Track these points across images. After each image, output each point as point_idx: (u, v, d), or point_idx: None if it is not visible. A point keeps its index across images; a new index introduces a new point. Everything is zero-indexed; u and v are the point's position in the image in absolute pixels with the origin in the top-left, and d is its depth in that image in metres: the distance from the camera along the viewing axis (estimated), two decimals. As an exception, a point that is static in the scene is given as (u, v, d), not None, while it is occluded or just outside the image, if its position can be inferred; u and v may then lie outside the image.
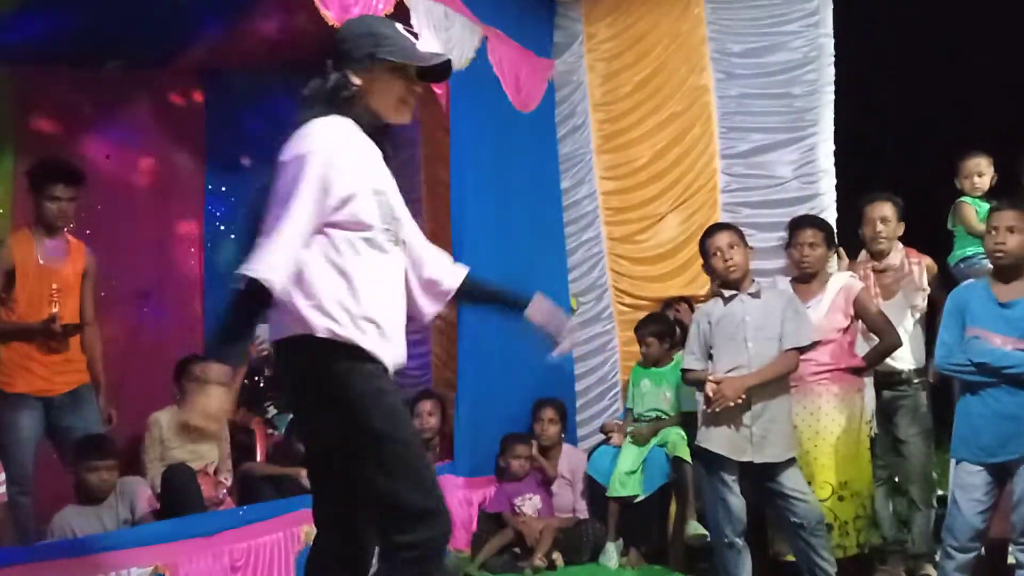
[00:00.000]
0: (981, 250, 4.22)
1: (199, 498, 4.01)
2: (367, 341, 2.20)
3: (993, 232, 3.34)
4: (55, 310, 3.96)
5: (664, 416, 4.63)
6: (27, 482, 3.88)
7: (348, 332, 2.18)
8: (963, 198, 4.48)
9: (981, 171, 4.47)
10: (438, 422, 5.02)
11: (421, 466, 2.23)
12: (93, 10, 4.51)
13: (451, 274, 2.52)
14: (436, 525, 2.18)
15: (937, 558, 3.74)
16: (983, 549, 3.45)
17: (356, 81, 2.30)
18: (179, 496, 3.90)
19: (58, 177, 4.07)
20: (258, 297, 2.10)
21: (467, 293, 2.53)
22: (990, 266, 3.52)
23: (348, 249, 2.22)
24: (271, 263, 2.09)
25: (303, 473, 4.31)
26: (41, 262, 4.07)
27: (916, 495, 4.11)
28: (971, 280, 3.71)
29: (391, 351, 2.27)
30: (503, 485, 4.73)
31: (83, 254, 4.23)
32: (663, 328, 4.79)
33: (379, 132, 2.36)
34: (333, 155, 2.20)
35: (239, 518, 3.67)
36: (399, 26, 2.42)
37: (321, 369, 2.19)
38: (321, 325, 2.17)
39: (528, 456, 4.71)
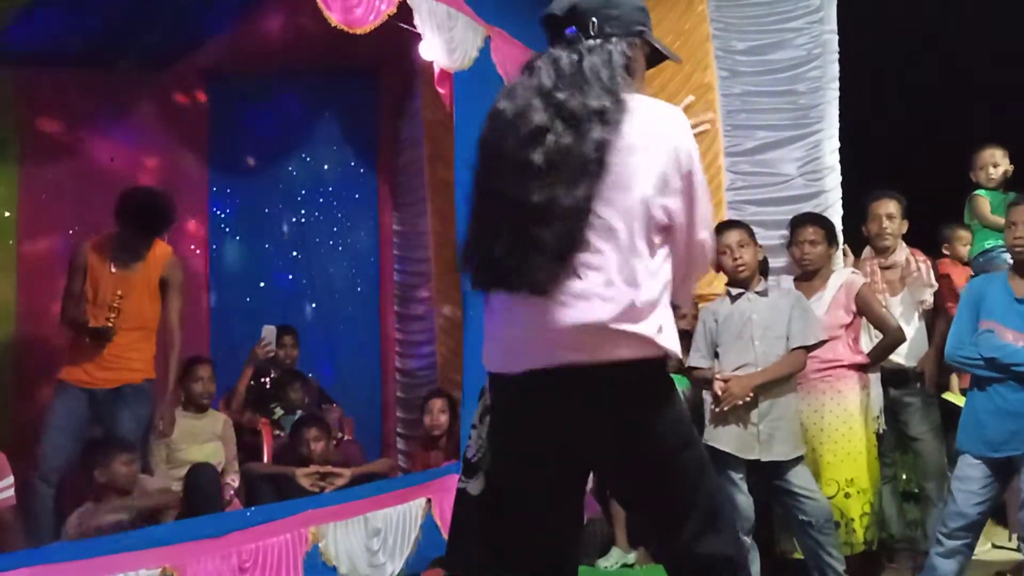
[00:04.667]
0: (999, 243, 4.25)
1: (220, 497, 4.02)
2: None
3: (1012, 227, 3.33)
4: (112, 316, 4.03)
5: None
6: (52, 471, 3.93)
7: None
8: (977, 191, 4.48)
9: (996, 162, 4.49)
10: (448, 421, 5.03)
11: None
12: (98, 12, 4.52)
13: None
14: None
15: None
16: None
17: (639, 57, 2.15)
18: (203, 495, 3.93)
19: (152, 231, 4.20)
20: None
21: None
22: (1010, 259, 3.51)
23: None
24: None
25: (299, 472, 4.33)
26: (113, 271, 4.16)
27: (932, 492, 4.10)
28: (991, 272, 3.71)
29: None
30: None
31: (163, 262, 4.27)
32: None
33: None
34: None
35: (247, 519, 3.67)
36: None
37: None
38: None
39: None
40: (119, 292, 4.09)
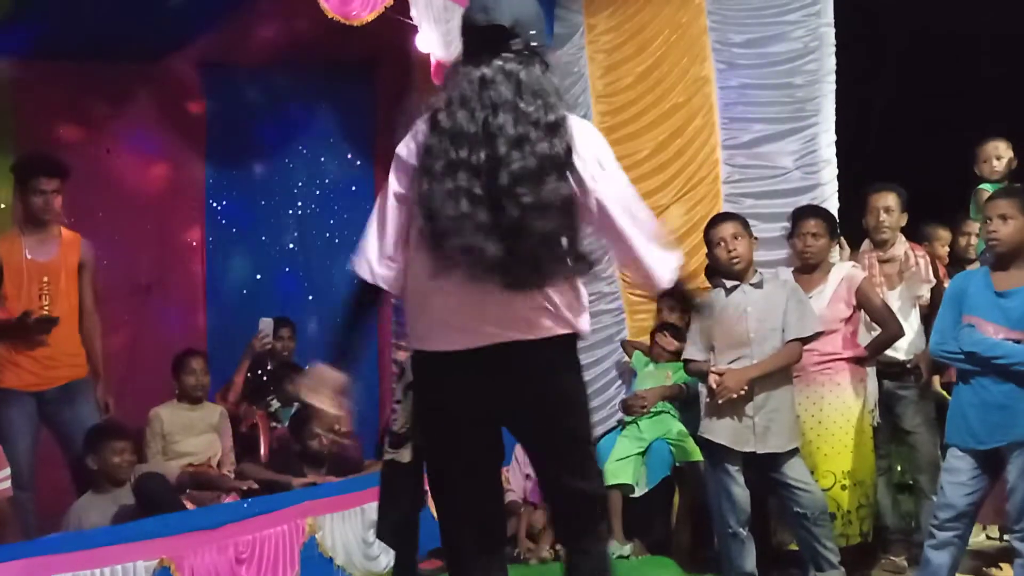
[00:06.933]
0: None
1: (175, 502, 3.91)
2: None
3: (988, 221, 3.36)
4: (45, 303, 3.97)
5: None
6: (23, 477, 3.86)
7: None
8: (982, 185, 4.48)
9: (999, 154, 4.47)
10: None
11: None
12: (95, 7, 4.52)
13: None
14: None
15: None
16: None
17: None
18: (154, 503, 3.78)
19: (39, 170, 4.08)
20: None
21: None
22: None
23: None
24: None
25: (295, 482, 4.30)
26: (29, 257, 4.06)
27: (925, 484, 4.11)
28: (973, 268, 3.72)
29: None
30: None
31: (78, 247, 4.22)
32: (679, 334, 4.78)
33: None
34: None
35: (243, 511, 3.68)
36: None
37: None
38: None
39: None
40: (45, 279, 4.03)
